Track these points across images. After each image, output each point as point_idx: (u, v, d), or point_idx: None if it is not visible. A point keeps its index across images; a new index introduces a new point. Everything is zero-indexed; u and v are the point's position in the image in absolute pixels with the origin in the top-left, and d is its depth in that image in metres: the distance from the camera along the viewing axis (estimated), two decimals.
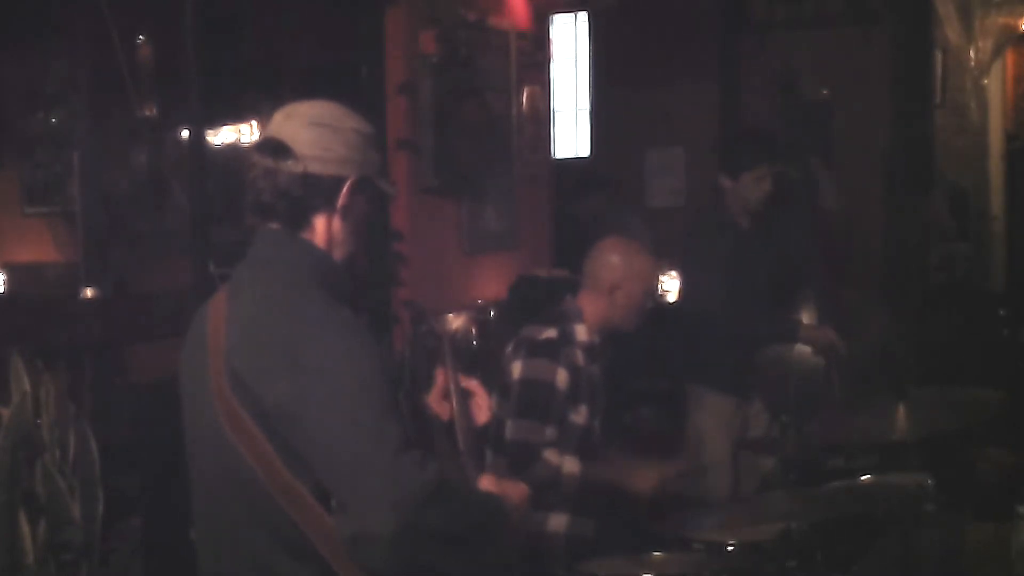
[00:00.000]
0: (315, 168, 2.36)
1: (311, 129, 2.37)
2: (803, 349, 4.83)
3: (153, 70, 6.32)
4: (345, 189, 2.38)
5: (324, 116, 2.40)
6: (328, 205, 2.39)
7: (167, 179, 5.76)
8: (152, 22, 6.01)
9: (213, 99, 5.06)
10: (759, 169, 4.86)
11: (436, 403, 2.66)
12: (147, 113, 6.21)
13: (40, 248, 7.61)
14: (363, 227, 2.45)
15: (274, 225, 2.39)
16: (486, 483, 2.46)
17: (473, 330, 5.85)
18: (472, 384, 2.68)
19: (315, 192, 2.37)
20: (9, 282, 7.58)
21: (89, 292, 4.88)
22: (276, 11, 6.96)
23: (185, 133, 5.35)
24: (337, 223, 2.40)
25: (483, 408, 2.68)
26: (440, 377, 2.67)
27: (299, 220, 2.38)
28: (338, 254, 2.42)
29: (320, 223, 2.39)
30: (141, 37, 6.28)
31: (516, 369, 3.87)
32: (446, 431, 2.61)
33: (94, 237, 6.05)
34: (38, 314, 4.63)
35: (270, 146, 2.37)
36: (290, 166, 2.35)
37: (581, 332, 3.95)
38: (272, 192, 2.36)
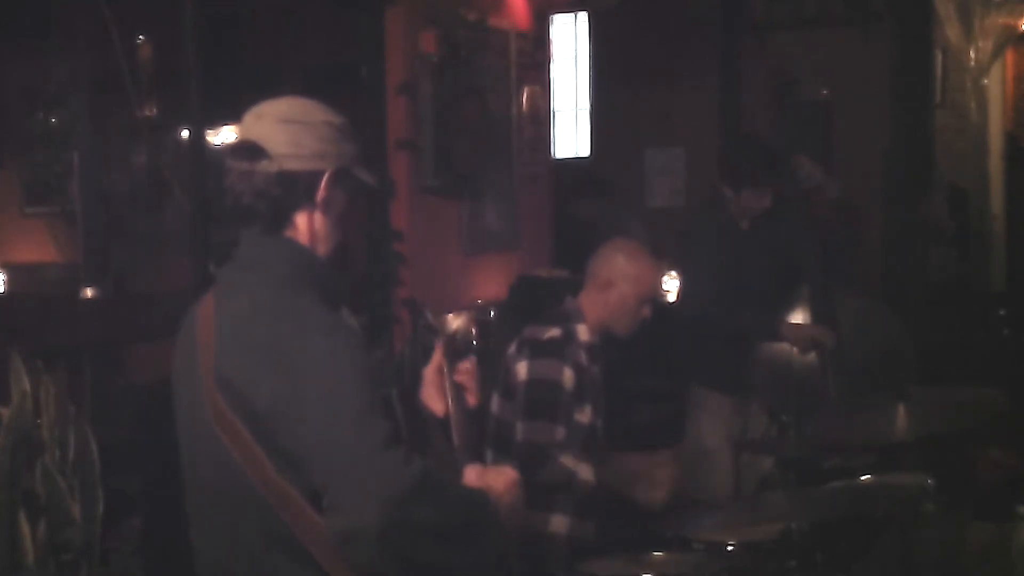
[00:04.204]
0: (290, 165, 2.35)
1: (282, 127, 2.36)
2: (805, 353, 4.83)
3: (153, 70, 6.33)
4: (323, 182, 2.38)
5: (294, 113, 2.39)
6: (308, 201, 2.38)
7: (167, 179, 5.76)
8: (152, 22, 6.02)
9: (213, 99, 5.06)
10: (761, 188, 4.86)
11: (430, 397, 2.66)
12: (147, 113, 6.22)
13: (40, 248, 7.62)
14: (346, 219, 2.44)
15: (256, 227, 2.38)
16: (470, 475, 2.46)
17: (473, 330, 5.85)
18: (466, 366, 2.67)
19: (293, 189, 2.36)
20: (9, 282, 7.58)
21: (89, 292, 4.88)
22: (276, 11, 6.96)
23: (185, 133, 5.35)
24: (319, 218, 2.40)
25: (473, 390, 2.68)
26: (436, 356, 2.67)
27: (280, 219, 2.38)
28: (323, 249, 2.42)
29: (302, 220, 2.39)
30: (141, 37, 6.28)
31: (522, 370, 3.86)
32: (442, 428, 2.61)
33: (94, 237, 6.06)
34: (38, 314, 4.62)
35: (243, 148, 2.37)
36: (265, 166, 2.34)
37: (583, 332, 3.94)
38: (250, 194, 2.36)
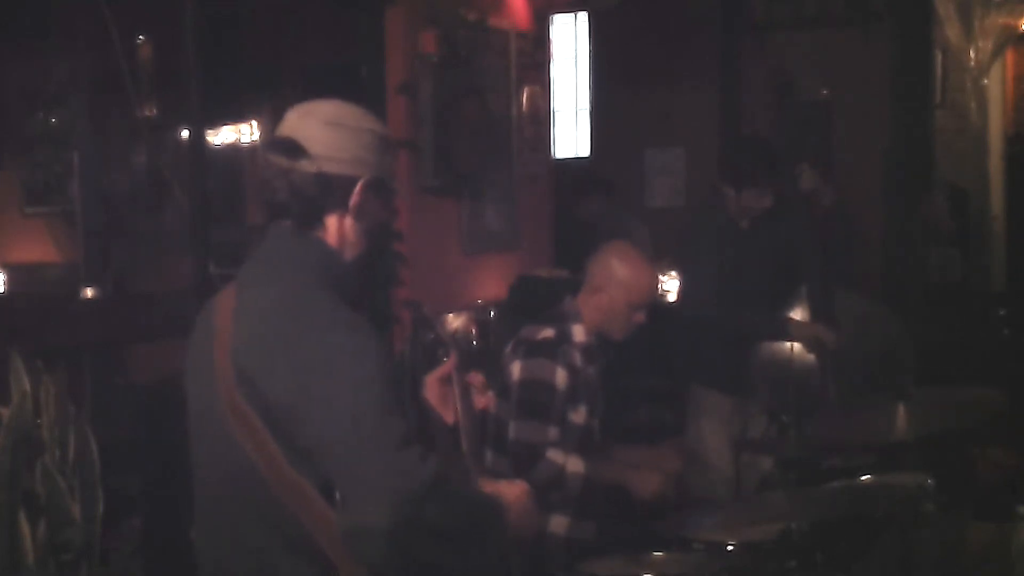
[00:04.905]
0: (330, 168, 2.36)
1: (327, 129, 2.38)
2: (798, 347, 4.83)
3: (153, 70, 6.33)
4: (357, 189, 2.39)
5: (340, 116, 2.40)
6: (341, 205, 2.39)
7: (167, 179, 5.76)
8: (152, 22, 6.02)
9: (213, 99, 5.06)
10: (762, 188, 4.86)
11: (436, 400, 2.66)
12: (147, 113, 6.22)
13: (40, 248, 7.62)
14: (375, 228, 2.45)
15: (286, 223, 2.39)
16: (483, 485, 2.48)
17: (473, 330, 5.85)
18: (473, 377, 2.68)
19: (329, 192, 2.38)
20: (9, 282, 7.58)
21: (89, 292, 4.89)
22: (276, 11, 6.97)
23: (185, 133, 5.35)
24: (349, 223, 2.41)
25: (482, 396, 2.68)
26: (446, 366, 2.67)
27: (312, 219, 2.39)
28: (349, 254, 2.43)
29: (332, 223, 2.40)
30: (141, 37, 6.29)
31: (515, 370, 3.86)
32: (449, 432, 2.61)
33: (94, 237, 6.07)
34: (38, 314, 4.62)
35: (285, 145, 2.38)
36: (304, 165, 2.35)
37: (579, 332, 3.94)
38: (286, 191, 2.37)
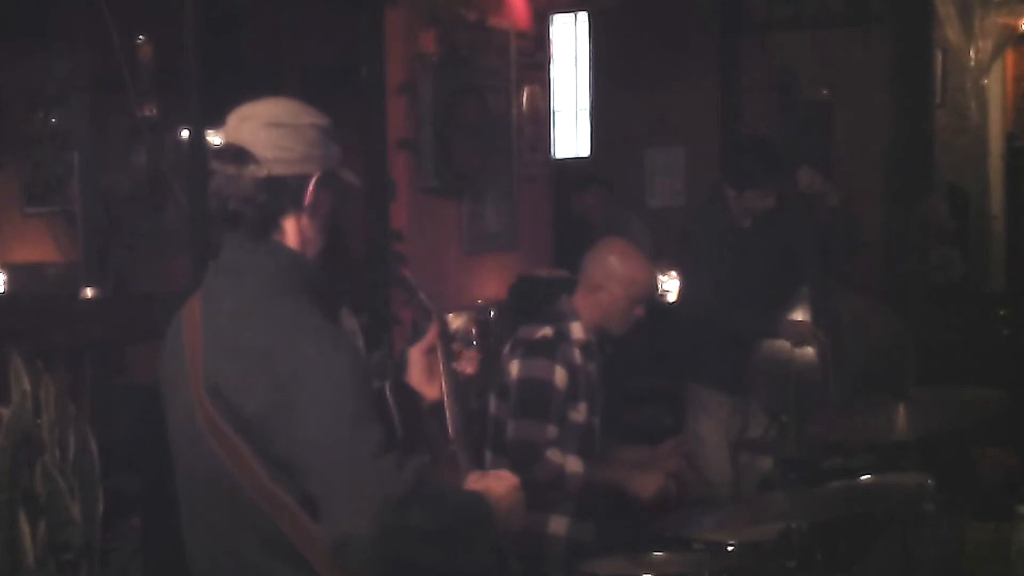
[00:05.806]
0: (278, 170, 2.32)
1: (270, 130, 2.33)
2: (798, 348, 4.83)
3: (153, 70, 6.33)
4: (311, 187, 2.35)
5: (281, 115, 2.36)
6: (295, 205, 2.35)
7: (167, 179, 5.76)
8: (152, 22, 6.02)
9: (213, 99, 5.05)
10: (765, 188, 4.86)
11: (418, 379, 2.64)
12: (147, 113, 6.21)
13: (40, 248, 7.61)
14: (332, 221, 2.41)
15: (242, 231, 2.35)
16: (471, 479, 2.46)
17: (473, 330, 5.85)
18: (466, 353, 2.66)
19: (280, 194, 2.33)
20: (9, 282, 7.57)
21: (89, 292, 4.88)
22: (276, 11, 6.96)
23: (185, 133, 5.35)
24: (306, 221, 2.37)
25: (471, 361, 2.66)
26: (429, 335, 2.65)
27: (269, 224, 2.35)
28: (311, 251, 2.39)
29: (290, 225, 2.36)
30: (141, 37, 6.28)
31: (514, 369, 3.86)
32: (435, 416, 2.59)
33: (94, 237, 6.06)
34: (38, 314, 4.62)
35: (231, 152, 2.33)
36: (252, 171, 2.31)
37: (577, 330, 3.94)
38: (237, 199, 2.32)
